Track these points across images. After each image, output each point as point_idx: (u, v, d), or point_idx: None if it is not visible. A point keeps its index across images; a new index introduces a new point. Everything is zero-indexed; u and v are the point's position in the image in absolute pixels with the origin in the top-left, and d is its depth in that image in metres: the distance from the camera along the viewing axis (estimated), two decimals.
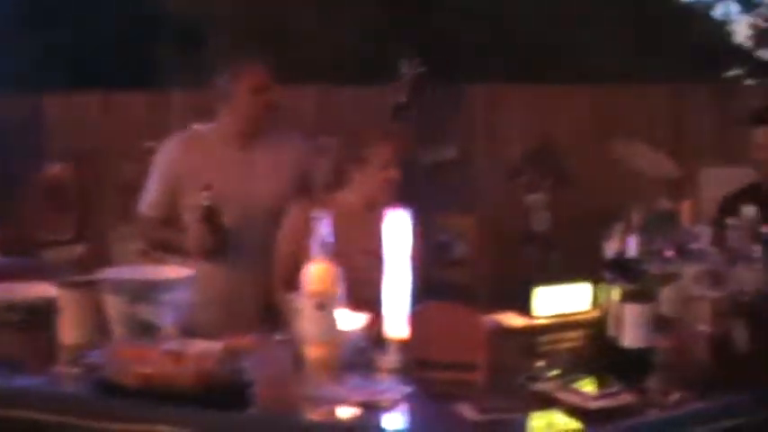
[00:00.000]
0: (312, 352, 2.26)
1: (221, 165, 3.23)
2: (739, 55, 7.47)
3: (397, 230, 2.48)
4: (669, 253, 2.65)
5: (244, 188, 3.19)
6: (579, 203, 4.45)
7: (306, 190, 3.32)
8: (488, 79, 5.05)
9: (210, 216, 3.01)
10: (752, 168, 3.61)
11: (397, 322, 2.42)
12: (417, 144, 4.49)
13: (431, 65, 4.56)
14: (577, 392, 2.24)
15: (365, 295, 2.49)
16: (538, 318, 2.54)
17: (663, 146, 4.53)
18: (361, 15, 6.39)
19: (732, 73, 7.68)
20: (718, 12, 7.57)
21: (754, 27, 7.61)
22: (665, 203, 2.89)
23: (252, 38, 6.85)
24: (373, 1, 6.46)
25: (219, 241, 3.04)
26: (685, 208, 2.89)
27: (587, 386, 2.28)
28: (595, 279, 2.64)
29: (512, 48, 6.01)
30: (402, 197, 2.90)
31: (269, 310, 3.00)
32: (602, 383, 2.28)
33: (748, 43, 7.59)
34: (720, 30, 7.58)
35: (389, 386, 2.25)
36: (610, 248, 2.64)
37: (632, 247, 2.48)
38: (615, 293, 2.46)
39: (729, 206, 3.21)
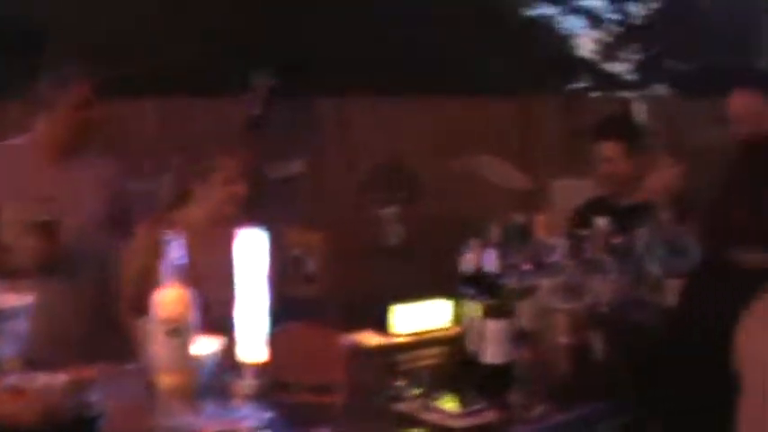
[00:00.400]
0: (165, 380, 2.13)
1: (33, 178, 3.05)
2: (585, 68, 7.75)
3: (251, 248, 2.37)
4: (526, 266, 2.67)
5: (55, 204, 3.02)
6: (432, 217, 4.46)
7: (122, 211, 3.21)
8: (339, 93, 4.99)
9: (48, 231, 2.84)
10: (596, 182, 3.69)
11: (253, 345, 2.31)
12: (266, 158, 4.40)
13: (282, 78, 4.49)
14: (440, 411, 2.20)
15: (218, 317, 2.37)
16: (396, 336, 2.49)
17: (513, 158, 4.61)
18: (210, 27, 6.26)
19: (578, 86, 7.96)
20: (564, 25, 7.84)
21: (598, 41, 7.92)
22: (518, 217, 2.91)
23: (86, 48, 6.58)
24: (224, 12, 6.33)
25: (56, 258, 2.87)
26: (539, 221, 2.92)
27: (450, 404, 2.25)
28: (452, 293, 2.61)
29: (363, 62, 6.00)
30: (250, 212, 2.81)
31: (116, 337, 2.84)
32: (464, 401, 2.25)
33: (594, 56, 7.88)
34: (566, 43, 7.84)
35: (248, 413, 2.14)
36: (467, 263, 2.62)
37: (491, 261, 2.46)
38: (475, 309, 2.44)
39: (579, 218, 3.27)
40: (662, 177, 3.18)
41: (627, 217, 3.16)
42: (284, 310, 2.54)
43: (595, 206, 3.46)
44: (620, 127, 3.67)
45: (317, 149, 4.78)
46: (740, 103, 3.16)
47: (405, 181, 4.67)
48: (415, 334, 2.52)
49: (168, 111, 4.75)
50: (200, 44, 6.21)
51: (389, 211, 4.54)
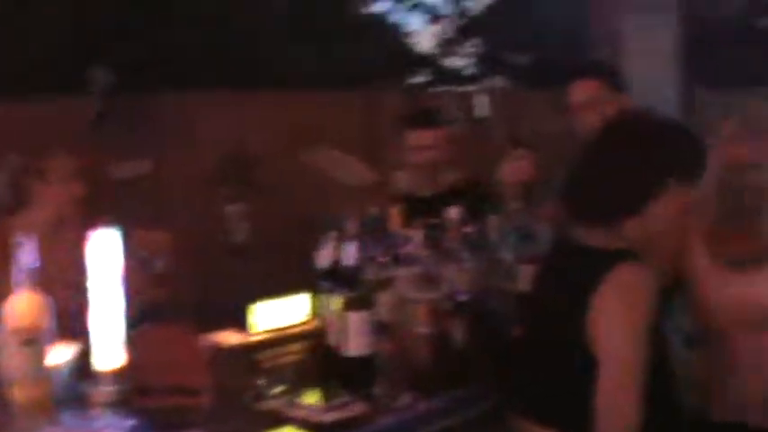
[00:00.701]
0: (21, 393, 2.02)
1: None
2: (425, 63, 7.88)
3: (103, 250, 2.29)
4: (383, 258, 2.68)
5: None
6: (280, 212, 4.42)
7: None
8: (182, 87, 4.88)
9: None
10: (404, 173, 3.76)
11: (109, 350, 2.23)
12: (110, 156, 4.25)
13: (123, 74, 4.36)
14: (306, 407, 2.20)
15: (70, 323, 2.28)
16: (256, 333, 2.45)
17: (358, 152, 4.63)
18: (49, 23, 5.98)
19: (419, 80, 8.09)
20: (406, 21, 7.95)
21: (438, 36, 8.07)
22: (374, 210, 2.92)
23: None
24: (65, 9, 6.06)
25: None
26: (393, 213, 2.95)
27: (315, 399, 2.24)
28: (309, 288, 2.60)
29: (205, 55, 5.89)
30: (96, 213, 2.71)
31: None
32: (329, 395, 2.26)
33: (433, 51, 8.02)
34: (406, 39, 7.95)
35: (108, 421, 2.07)
36: (323, 257, 2.62)
37: (350, 255, 2.46)
38: (334, 302, 2.43)
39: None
40: (511, 168, 3.26)
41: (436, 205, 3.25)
42: (139, 313, 2.47)
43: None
44: (428, 116, 3.78)
45: (161, 146, 4.65)
46: (581, 92, 3.24)
47: (250, 176, 4.61)
48: (276, 331, 2.47)
49: (5, 109, 4.52)
50: (39, 41, 5.94)
51: (235, 207, 4.47)
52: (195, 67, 5.69)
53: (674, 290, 2.44)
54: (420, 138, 3.65)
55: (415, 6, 7.95)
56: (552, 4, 7.67)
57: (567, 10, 7.42)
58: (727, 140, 2.48)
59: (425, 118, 3.76)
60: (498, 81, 8.02)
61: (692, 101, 4.58)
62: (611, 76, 3.32)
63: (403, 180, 3.80)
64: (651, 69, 3.77)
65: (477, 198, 3.33)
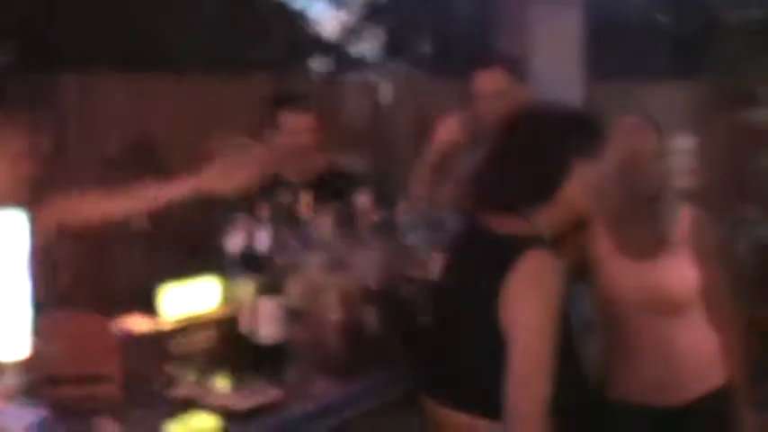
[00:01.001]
0: None
1: None
2: (330, 50, 7.85)
3: (8, 234, 2.24)
4: (293, 244, 2.69)
5: None
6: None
7: None
8: (82, 68, 4.73)
9: None
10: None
11: (14, 339, 2.18)
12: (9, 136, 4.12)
13: (20, 53, 4.22)
14: (218, 393, 2.20)
15: None
16: (166, 320, 2.42)
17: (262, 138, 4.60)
18: None
19: (321, 65, 8.05)
20: (310, 8, 7.89)
21: (342, 24, 8.04)
22: (284, 196, 2.92)
23: None
24: None
25: None
26: (304, 199, 2.94)
27: (227, 385, 2.24)
28: (215, 272, 2.58)
29: (107, 35, 5.73)
30: None
31: None
32: (242, 381, 2.26)
33: (338, 38, 7.99)
34: (312, 26, 7.89)
35: (17, 413, 2.02)
36: (234, 243, 2.61)
37: (263, 240, 2.46)
38: (246, 288, 2.43)
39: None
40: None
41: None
42: (45, 300, 2.42)
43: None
44: (300, 98, 3.67)
45: (60, 128, 4.51)
46: (486, 82, 3.25)
47: (153, 160, 4.53)
48: (186, 317, 2.43)
49: None
50: None
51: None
52: (99, 48, 5.55)
53: (574, 275, 2.51)
54: (292, 121, 3.56)
55: None
56: None
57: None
58: (626, 131, 2.57)
59: (297, 100, 3.65)
60: (401, 68, 8.04)
61: (595, 92, 4.69)
62: (515, 67, 3.36)
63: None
64: (556, 61, 3.83)
65: (342, 185, 3.29)
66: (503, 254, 2.04)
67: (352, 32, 8.00)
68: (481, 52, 3.39)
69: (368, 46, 8.16)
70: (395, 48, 8.03)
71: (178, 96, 4.77)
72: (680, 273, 2.50)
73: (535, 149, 2.12)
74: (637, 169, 2.52)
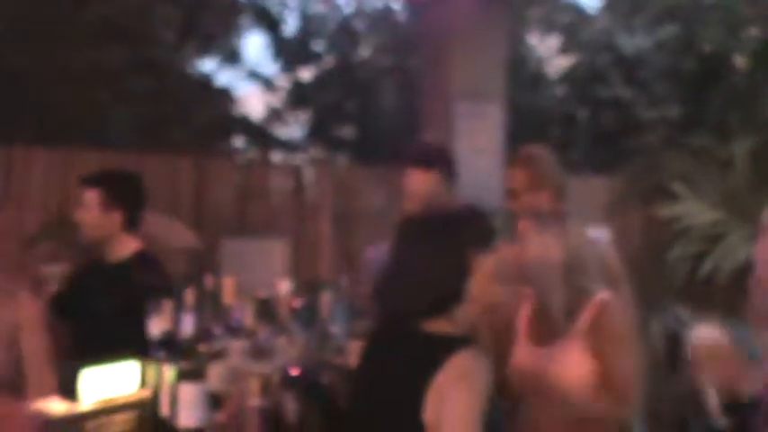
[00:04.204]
0: None
1: None
2: (256, 131, 7.91)
3: None
4: (217, 330, 2.72)
5: None
6: None
7: None
8: (8, 142, 4.72)
9: None
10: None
11: None
12: None
13: None
14: None
15: None
16: (85, 402, 2.42)
17: (185, 218, 4.64)
18: None
19: (248, 148, 8.12)
20: (236, 88, 7.99)
21: (269, 105, 8.14)
22: (208, 280, 2.96)
23: None
24: None
25: None
26: (227, 284, 2.99)
27: None
28: (136, 355, 2.59)
29: (35, 110, 5.72)
30: None
31: None
32: None
33: (264, 120, 8.07)
34: (238, 106, 7.96)
35: None
36: (156, 326, 2.63)
37: (187, 325, 2.49)
38: (167, 373, 2.45)
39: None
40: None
41: (113, 275, 3.29)
42: None
43: (84, 266, 3.50)
44: (101, 177, 3.46)
45: None
46: (421, 182, 3.25)
47: (73, 236, 4.51)
48: (105, 399, 2.44)
49: None
50: None
51: (56, 267, 4.36)
52: (23, 122, 5.54)
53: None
54: (86, 196, 3.40)
55: (251, 75, 8.01)
56: (386, 84, 7.90)
57: (400, 90, 7.71)
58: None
59: (96, 177, 3.46)
60: (323, 153, 8.15)
61: None
62: (452, 170, 3.35)
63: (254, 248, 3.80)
64: (478, 152, 3.94)
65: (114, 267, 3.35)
66: (430, 352, 2.11)
67: (278, 114, 8.11)
68: (417, 146, 3.33)
69: (293, 128, 8.27)
70: (317, 132, 8.15)
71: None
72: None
73: (435, 255, 2.21)
74: None
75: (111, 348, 2.66)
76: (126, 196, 3.43)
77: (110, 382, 2.48)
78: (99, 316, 3.16)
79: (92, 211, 3.37)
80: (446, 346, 2.10)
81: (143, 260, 3.38)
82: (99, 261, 3.42)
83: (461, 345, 2.11)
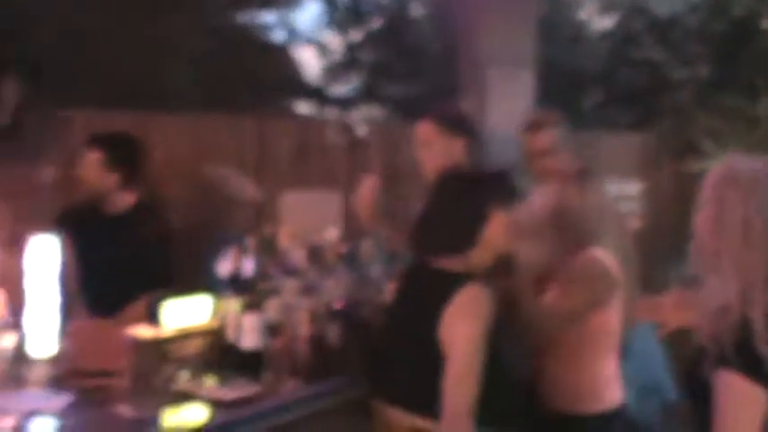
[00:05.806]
0: None
1: None
2: (311, 91, 8.19)
3: (42, 253, 2.75)
4: (273, 271, 3.19)
5: None
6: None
7: None
8: (85, 105, 5.06)
9: None
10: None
11: (46, 340, 2.70)
12: (17, 168, 4.44)
13: (29, 88, 4.51)
14: (208, 388, 2.68)
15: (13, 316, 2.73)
16: (167, 329, 2.79)
17: (249, 171, 4.99)
18: None
19: (306, 106, 8.42)
20: (292, 50, 8.26)
21: (323, 66, 8.41)
22: (267, 229, 3.42)
23: None
24: None
25: None
26: (283, 232, 3.46)
27: (216, 382, 2.73)
28: (208, 291, 2.99)
29: (107, 74, 6.07)
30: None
31: None
32: (227, 380, 2.75)
33: (318, 80, 8.31)
34: (295, 67, 8.24)
35: (51, 395, 2.53)
36: (224, 268, 3.08)
37: (248, 267, 2.95)
38: (233, 305, 2.90)
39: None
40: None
41: (114, 225, 3.64)
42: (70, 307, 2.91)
43: (82, 212, 3.75)
44: (101, 139, 3.74)
45: (66, 161, 4.79)
46: (418, 132, 3.40)
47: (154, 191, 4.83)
48: (183, 327, 2.83)
49: None
50: None
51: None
52: (101, 86, 5.89)
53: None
54: (88, 158, 3.70)
55: (307, 41, 8.31)
56: (433, 40, 8.06)
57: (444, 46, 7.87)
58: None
59: (96, 139, 3.75)
60: (376, 111, 8.38)
61: None
62: (445, 121, 3.39)
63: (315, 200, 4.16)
64: (512, 117, 4.07)
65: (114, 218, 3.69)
66: (444, 286, 2.54)
67: (332, 75, 8.37)
68: (440, 113, 3.56)
69: (346, 88, 8.53)
70: (369, 91, 8.38)
71: (175, 134, 5.14)
72: None
73: (456, 206, 2.66)
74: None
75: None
76: (125, 160, 3.72)
77: (187, 312, 2.86)
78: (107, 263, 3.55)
79: (93, 170, 3.69)
80: (457, 281, 2.53)
81: (140, 210, 3.74)
82: (98, 210, 3.74)
83: (469, 280, 2.55)
